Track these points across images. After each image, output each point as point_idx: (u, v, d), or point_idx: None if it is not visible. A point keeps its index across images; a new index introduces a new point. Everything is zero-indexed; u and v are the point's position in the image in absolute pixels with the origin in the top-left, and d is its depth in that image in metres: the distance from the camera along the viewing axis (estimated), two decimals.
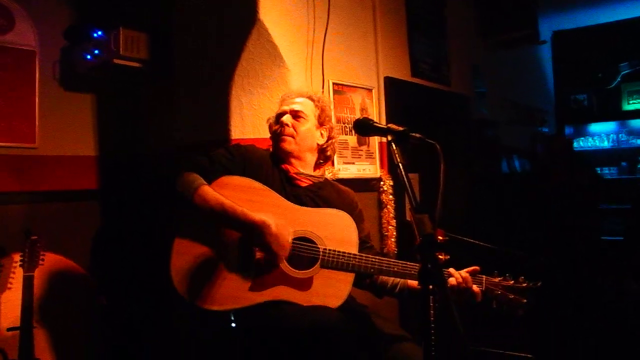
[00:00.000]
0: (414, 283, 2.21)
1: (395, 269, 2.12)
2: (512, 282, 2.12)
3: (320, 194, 2.33)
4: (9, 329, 2.62)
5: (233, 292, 2.02)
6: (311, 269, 2.08)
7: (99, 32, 3.26)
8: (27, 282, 2.66)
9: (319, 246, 2.10)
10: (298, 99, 2.42)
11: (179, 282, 2.01)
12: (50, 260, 2.83)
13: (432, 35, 4.28)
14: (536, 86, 6.77)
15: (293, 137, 2.32)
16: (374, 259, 2.12)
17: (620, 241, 5.20)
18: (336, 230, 2.16)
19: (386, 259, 2.15)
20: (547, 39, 6.56)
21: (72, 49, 3.46)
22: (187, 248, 2.04)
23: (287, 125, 2.33)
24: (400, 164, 1.57)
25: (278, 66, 2.91)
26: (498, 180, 5.29)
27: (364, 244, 2.30)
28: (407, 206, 3.75)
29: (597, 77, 6.92)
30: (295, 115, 2.36)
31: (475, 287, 2.10)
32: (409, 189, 1.45)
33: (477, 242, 2.75)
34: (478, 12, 5.14)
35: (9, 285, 2.78)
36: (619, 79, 6.82)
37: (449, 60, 4.47)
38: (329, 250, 2.09)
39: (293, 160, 2.34)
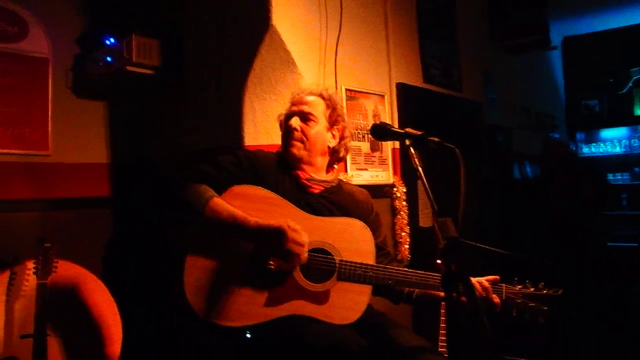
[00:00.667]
0: (430, 291, 2.17)
1: (413, 279, 2.07)
2: (532, 289, 2.09)
3: (333, 200, 2.25)
4: (22, 337, 2.61)
5: (248, 308, 1.98)
6: (328, 282, 2.03)
7: (112, 40, 3.28)
8: (41, 290, 2.64)
9: (335, 258, 2.05)
10: (308, 98, 2.32)
11: (192, 298, 1.97)
12: (64, 267, 2.80)
13: (443, 41, 4.27)
14: (547, 92, 6.75)
15: (302, 142, 2.24)
16: (391, 270, 2.07)
17: (634, 247, 5.16)
18: (352, 240, 2.11)
19: (403, 269, 2.11)
20: (557, 44, 6.53)
21: (84, 56, 3.47)
22: (200, 264, 2.00)
23: (295, 129, 2.25)
24: (419, 168, 1.55)
25: (291, 72, 2.90)
26: (510, 185, 5.27)
27: (380, 250, 2.25)
28: (420, 213, 3.73)
29: (608, 82, 6.88)
30: (305, 117, 2.27)
31: (495, 297, 2.06)
32: (429, 193, 1.43)
33: (492, 248, 2.72)
34: (489, 17, 5.14)
35: (22, 293, 2.76)
36: (630, 84, 6.78)
37: (460, 66, 4.47)
38: (346, 261, 2.04)
39: (304, 166, 2.26)
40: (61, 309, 2.83)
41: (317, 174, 2.28)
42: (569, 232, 4.61)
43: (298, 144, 2.24)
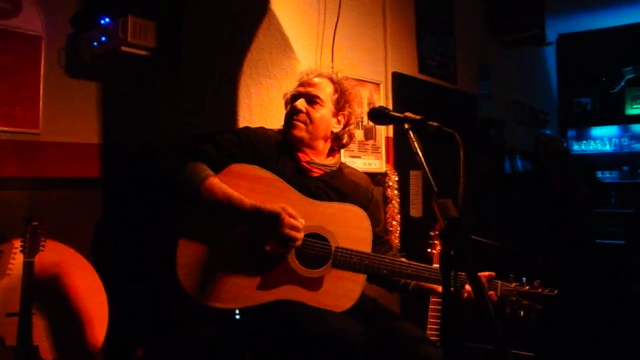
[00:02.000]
0: (426, 284, 2.15)
1: (409, 270, 2.05)
2: (528, 287, 2.07)
3: (333, 185, 2.21)
4: (7, 315, 2.58)
5: (241, 291, 1.95)
6: (322, 268, 1.99)
7: (107, 19, 3.23)
8: (27, 268, 2.62)
9: (331, 244, 2.01)
10: (316, 80, 2.26)
11: (185, 279, 1.95)
12: (51, 247, 2.78)
13: (440, 32, 4.27)
14: (540, 88, 6.78)
15: (305, 124, 2.18)
16: (387, 260, 2.04)
17: (621, 245, 5.21)
18: (349, 227, 2.07)
19: (399, 259, 2.08)
20: (552, 41, 6.55)
21: (78, 35, 3.41)
22: (193, 245, 1.97)
23: (300, 111, 2.19)
24: (419, 151, 1.53)
25: (288, 57, 2.88)
26: (505, 180, 5.29)
27: (378, 238, 2.22)
28: (411, 203, 3.73)
29: (601, 81, 6.92)
30: (311, 100, 2.21)
31: (490, 293, 2.04)
32: (429, 175, 1.42)
33: (486, 240, 2.71)
34: (486, 11, 5.15)
35: (8, 272, 2.73)
36: (622, 84, 6.82)
37: (456, 59, 4.47)
38: (342, 249, 2.00)
39: (304, 148, 2.21)
40: (47, 289, 2.81)
41: (317, 157, 2.24)
42: (567, 229, 4.65)
43: (301, 124, 2.19)
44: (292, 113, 2.23)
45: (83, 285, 2.98)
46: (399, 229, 3.39)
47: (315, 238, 2.02)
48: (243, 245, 1.98)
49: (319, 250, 2.00)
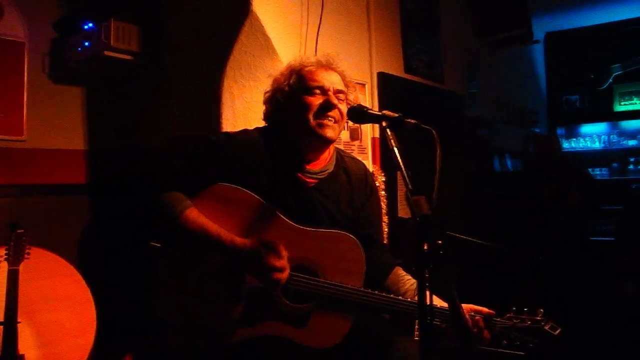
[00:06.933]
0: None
1: (404, 310, 1.93)
2: (530, 322, 1.96)
3: (328, 192, 2.04)
4: None
5: (222, 327, 1.84)
6: (308, 304, 1.88)
7: (90, 24, 3.23)
8: (12, 276, 2.60)
9: (320, 279, 1.88)
10: (335, 76, 2.01)
11: (165, 312, 1.90)
12: (37, 254, 2.76)
13: (426, 32, 4.26)
14: (529, 87, 6.80)
15: (337, 122, 1.96)
16: (379, 297, 1.91)
17: (611, 242, 5.21)
18: (340, 258, 1.93)
19: (392, 297, 1.95)
20: (539, 40, 6.57)
21: (62, 40, 3.41)
22: (174, 277, 1.89)
23: (336, 106, 1.94)
24: (395, 148, 1.51)
25: (271, 59, 2.87)
26: (490, 178, 5.29)
27: (374, 242, 2.11)
28: (399, 204, 3.73)
29: (589, 78, 6.94)
30: (338, 92, 1.98)
31: (485, 333, 1.92)
32: (404, 171, 1.40)
33: (474, 240, 2.70)
34: (472, 11, 5.15)
35: None
36: (610, 81, 6.85)
37: (443, 58, 4.46)
38: (330, 284, 1.87)
39: (312, 154, 2.01)
40: (32, 297, 2.79)
41: (316, 163, 2.06)
42: (559, 228, 4.66)
43: (335, 125, 1.97)
44: (326, 107, 1.96)
45: (70, 293, 2.95)
46: (386, 229, 3.38)
47: (303, 271, 1.89)
48: (224, 277, 1.87)
49: (306, 286, 1.87)
